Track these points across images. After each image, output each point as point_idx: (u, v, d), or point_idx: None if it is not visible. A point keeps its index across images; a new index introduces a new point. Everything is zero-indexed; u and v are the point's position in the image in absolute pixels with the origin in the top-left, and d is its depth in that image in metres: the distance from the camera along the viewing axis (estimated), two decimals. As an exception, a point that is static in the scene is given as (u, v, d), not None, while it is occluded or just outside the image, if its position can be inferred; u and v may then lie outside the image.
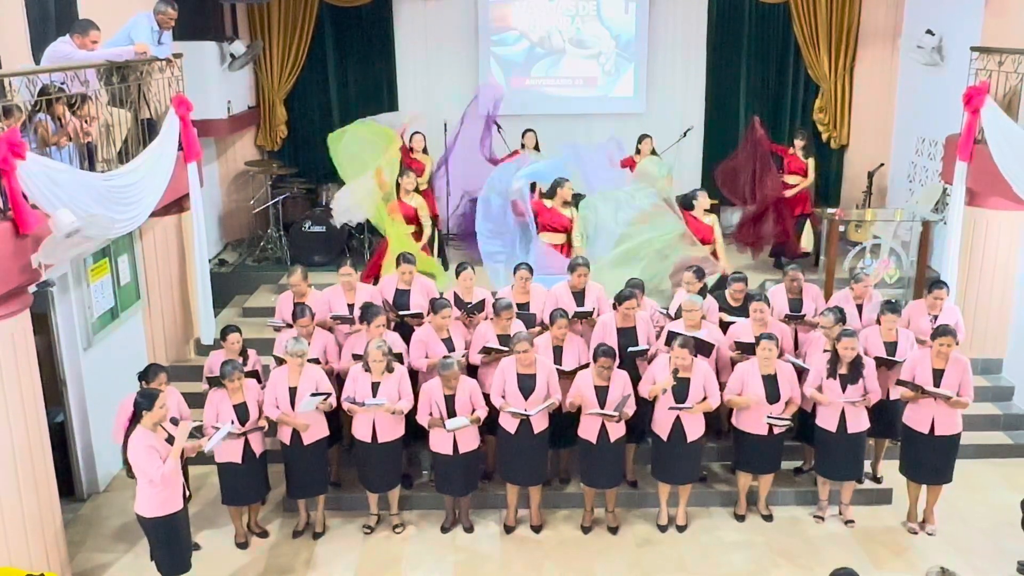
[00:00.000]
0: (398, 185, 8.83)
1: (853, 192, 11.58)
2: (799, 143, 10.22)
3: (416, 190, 8.92)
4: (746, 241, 10.29)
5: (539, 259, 8.13)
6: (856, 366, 6.65)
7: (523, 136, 10.43)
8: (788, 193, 10.06)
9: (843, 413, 6.72)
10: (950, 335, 6.50)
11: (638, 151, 10.12)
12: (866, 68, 11.44)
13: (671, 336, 6.84)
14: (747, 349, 6.93)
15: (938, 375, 6.56)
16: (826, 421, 6.81)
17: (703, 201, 8.63)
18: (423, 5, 11.42)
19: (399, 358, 6.87)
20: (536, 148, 10.37)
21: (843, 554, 6.70)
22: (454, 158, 10.57)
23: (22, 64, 6.62)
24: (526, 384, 6.58)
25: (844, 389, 6.66)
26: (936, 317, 7.22)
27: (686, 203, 8.69)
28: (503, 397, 6.63)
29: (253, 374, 6.88)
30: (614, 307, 7.11)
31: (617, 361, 6.64)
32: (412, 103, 11.64)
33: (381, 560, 6.72)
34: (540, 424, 6.69)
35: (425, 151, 10.31)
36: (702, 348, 6.88)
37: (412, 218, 8.76)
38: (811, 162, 10.19)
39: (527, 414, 6.51)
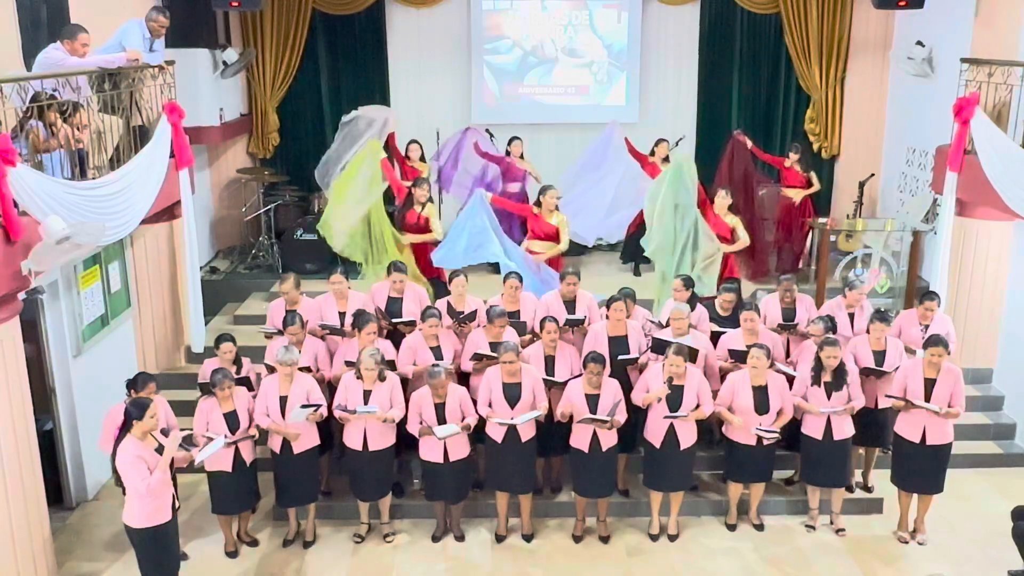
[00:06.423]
0: (410, 194, 8.50)
1: (844, 202, 11.62)
2: (794, 156, 10.27)
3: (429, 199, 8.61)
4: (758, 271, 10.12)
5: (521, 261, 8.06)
6: (840, 373, 6.68)
7: (509, 144, 10.28)
8: (796, 198, 10.16)
9: (828, 420, 6.74)
10: (941, 345, 6.53)
11: (653, 153, 10.13)
12: (857, 79, 11.49)
13: (658, 344, 6.85)
14: (740, 357, 6.94)
15: (930, 385, 6.59)
16: (812, 429, 6.83)
17: (723, 200, 8.57)
18: (416, 13, 11.43)
19: (392, 366, 6.85)
20: (522, 157, 10.27)
21: (834, 563, 6.71)
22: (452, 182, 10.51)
23: (13, 71, 6.60)
24: (512, 393, 6.58)
25: (829, 396, 6.69)
26: (927, 327, 7.25)
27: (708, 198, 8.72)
28: (489, 406, 6.63)
29: (245, 381, 6.86)
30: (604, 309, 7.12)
31: (608, 369, 6.65)
32: (405, 111, 11.62)
33: (371, 569, 6.70)
34: (527, 432, 6.68)
35: (423, 159, 10.23)
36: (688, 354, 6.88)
37: (424, 228, 8.42)
38: (812, 174, 10.31)
39: (514, 423, 6.50)
